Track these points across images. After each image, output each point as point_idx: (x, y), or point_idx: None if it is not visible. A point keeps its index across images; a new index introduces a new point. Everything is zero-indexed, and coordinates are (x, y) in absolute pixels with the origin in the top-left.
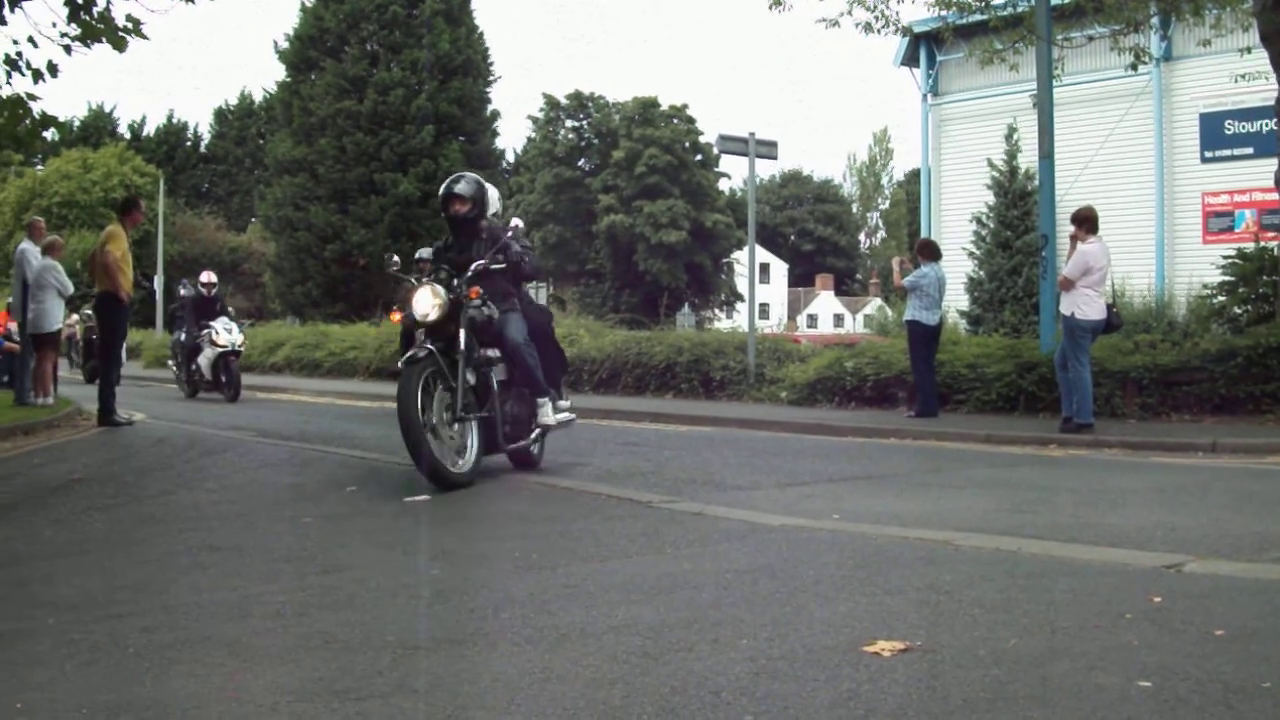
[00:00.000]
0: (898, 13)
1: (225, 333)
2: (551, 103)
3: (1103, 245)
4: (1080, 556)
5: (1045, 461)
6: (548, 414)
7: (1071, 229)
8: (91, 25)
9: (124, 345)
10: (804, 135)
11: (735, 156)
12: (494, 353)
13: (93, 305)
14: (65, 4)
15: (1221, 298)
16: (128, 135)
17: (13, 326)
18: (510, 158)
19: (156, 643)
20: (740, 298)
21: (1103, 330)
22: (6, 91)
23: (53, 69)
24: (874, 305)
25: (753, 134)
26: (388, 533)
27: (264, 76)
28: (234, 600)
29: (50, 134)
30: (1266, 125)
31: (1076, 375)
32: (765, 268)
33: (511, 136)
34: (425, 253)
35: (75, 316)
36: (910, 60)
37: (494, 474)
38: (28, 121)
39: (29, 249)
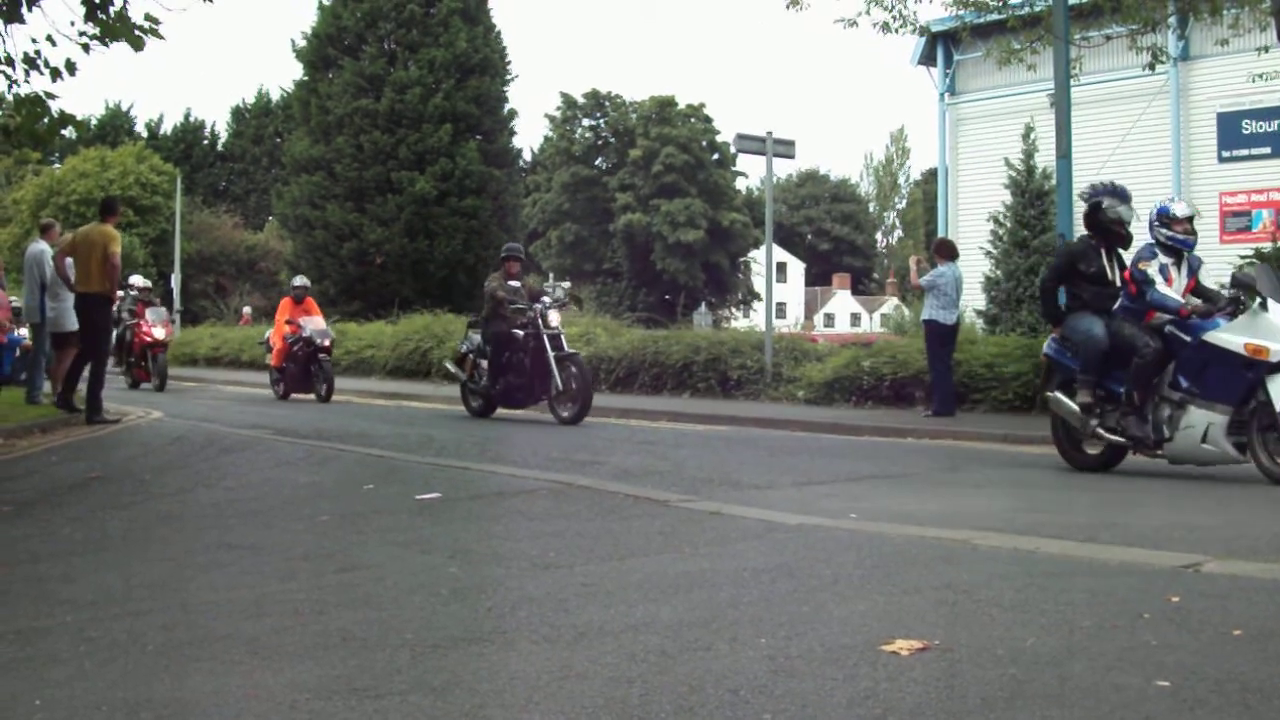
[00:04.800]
0: (915, 12)
1: None
2: (569, 101)
3: None
4: (1098, 556)
5: (1062, 461)
6: None
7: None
8: (109, 24)
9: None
10: (821, 134)
11: (753, 155)
12: None
13: (76, 305)
14: (83, 3)
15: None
16: (145, 134)
17: (24, 331)
18: (527, 156)
19: (175, 640)
20: (757, 297)
21: None
22: (25, 90)
23: (71, 67)
24: (891, 304)
25: (770, 133)
26: (405, 531)
27: (281, 75)
28: (252, 598)
29: (68, 132)
30: None
31: None
32: (782, 267)
33: (528, 135)
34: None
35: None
36: (928, 59)
37: (511, 472)
38: (46, 120)
39: (45, 250)
